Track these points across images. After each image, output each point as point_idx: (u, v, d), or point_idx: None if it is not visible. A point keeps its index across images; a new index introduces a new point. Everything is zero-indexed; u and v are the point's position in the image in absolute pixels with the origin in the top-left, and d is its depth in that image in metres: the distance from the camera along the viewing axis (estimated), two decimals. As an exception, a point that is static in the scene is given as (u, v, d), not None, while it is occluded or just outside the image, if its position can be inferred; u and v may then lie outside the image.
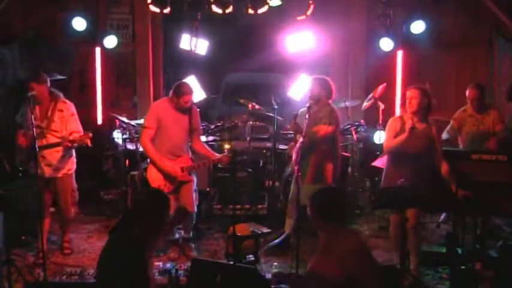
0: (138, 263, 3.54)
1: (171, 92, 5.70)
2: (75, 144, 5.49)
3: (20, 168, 5.63)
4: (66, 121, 5.59)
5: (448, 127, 6.28)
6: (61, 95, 5.69)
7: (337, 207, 3.63)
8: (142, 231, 3.59)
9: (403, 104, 5.41)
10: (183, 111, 5.66)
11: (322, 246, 3.62)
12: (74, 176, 5.83)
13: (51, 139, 5.50)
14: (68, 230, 5.99)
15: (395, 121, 5.21)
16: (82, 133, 5.57)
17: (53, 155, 5.56)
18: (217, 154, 5.89)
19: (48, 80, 5.62)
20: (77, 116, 5.71)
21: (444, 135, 6.30)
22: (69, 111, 5.64)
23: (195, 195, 5.79)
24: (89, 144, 5.47)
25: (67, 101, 5.71)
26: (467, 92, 6.08)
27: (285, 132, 7.30)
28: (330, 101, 5.86)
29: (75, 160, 5.82)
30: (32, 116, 5.20)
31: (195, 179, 5.82)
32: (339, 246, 3.48)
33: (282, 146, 7.12)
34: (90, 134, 5.49)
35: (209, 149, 5.99)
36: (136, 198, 3.76)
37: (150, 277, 3.64)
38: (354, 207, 7.28)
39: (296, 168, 5.40)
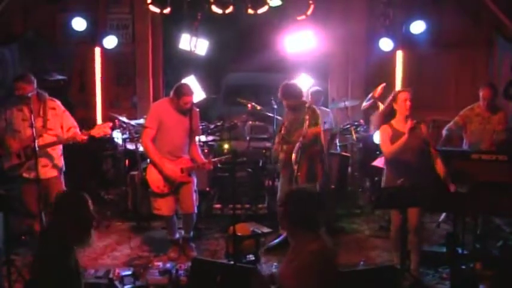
0: (64, 264, 3.57)
1: (171, 93, 5.69)
2: (96, 137, 5.44)
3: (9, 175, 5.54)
4: (61, 118, 5.56)
5: (451, 123, 6.29)
6: (46, 94, 5.61)
7: (305, 212, 3.39)
8: (64, 232, 3.61)
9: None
10: (183, 113, 5.65)
11: (289, 251, 3.48)
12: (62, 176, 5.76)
13: (48, 138, 5.45)
14: None
15: (385, 129, 5.15)
16: (77, 128, 5.55)
17: (49, 155, 5.51)
18: (204, 160, 5.85)
19: (35, 81, 5.52)
20: (68, 112, 5.68)
21: (444, 132, 6.30)
22: (60, 108, 5.62)
23: (195, 196, 5.80)
24: (109, 133, 5.54)
25: (54, 99, 5.66)
26: (481, 92, 6.11)
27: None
28: (304, 99, 5.90)
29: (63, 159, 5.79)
30: (32, 116, 5.17)
31: (195, 179, 5.83)
32: (299, 255, 3.33)
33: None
34: (111, 123, 5.50)
35: (199, 153, 5.92)
36: (54, 201, 3.80)
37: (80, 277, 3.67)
38: (354, 207, 7.31)
39: (296, 167, 5.41)
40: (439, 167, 5.01)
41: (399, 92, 5.18)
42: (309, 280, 3.25)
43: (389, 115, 5.16)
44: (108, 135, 5.60)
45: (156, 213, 5.79)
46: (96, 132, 5.39)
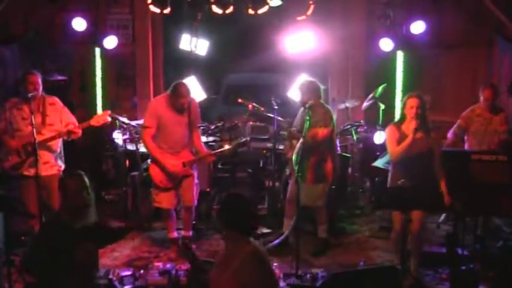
0: (55, 242, 3.78)
1: (169, 90, 5.70)
2: (101, 125, 5.59)
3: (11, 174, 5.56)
4: (60, 113, 5.59)
5: (455, 126, 6.29)
6: (44, 92, 5.66)
7: (241, 216, 3.49)
8: (60, 209, 3.91)
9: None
10: (180, 109, 5.67)
11: (222, 256, 3.53)
12: None
13: (47, 134, 5.47)
14: None
15: (393, 130, 5.16)
16: (76, 124, 5.58)
17: (49, 152, 5.51)
18: (206, 151, 5.89)
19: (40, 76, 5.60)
20: (67, 108, 5.71)
21: (449, 137, 6.27)
22: (59, 103, 5.66)
23: (196, 189, 5.83)
24: (109, 121, 5.63)
25: (52, 96, 5.70)
26: (482, 93, 6.12)
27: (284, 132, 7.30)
28: (322, 101, 5.87)
29: (63, 159, 5.78)
30: (33, 116, 5.18)
31: (196, 172, 5.84)
32: (235, 257, 3.37)
33: (282, 147, 7.11)
34: (109, 111, 5.60)
35: (202, 145, 5.97)
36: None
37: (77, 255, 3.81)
38: (355, 207, 7.31)
39: (296, 168, 5.40)
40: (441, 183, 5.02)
41: (407, 97, 5.15)
42: (249, 280, 3.29)
43: (400, 119, 5.18)
44: (108, 123, 5.67)
45: (156, 205, 5.84)
46: (95, 121, 5.46)
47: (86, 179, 3.94)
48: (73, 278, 3.82)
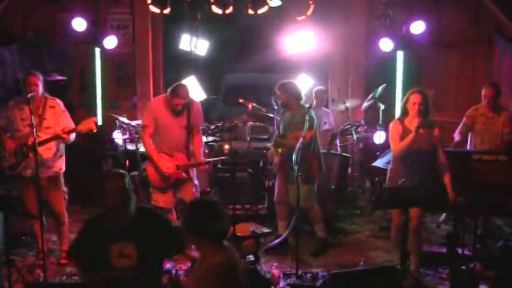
0: (92, 237, 3.85)
1: (169, 90, 5.71)
2: (82, 132, 5.44)
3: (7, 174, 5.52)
4: (59, 117, 5.53)
5: (461, 126, 6.27)
6: (46, 93, 5.62)
7: (205, 224, 3.25)
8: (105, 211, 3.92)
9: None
10: (177, 111, 5.66)
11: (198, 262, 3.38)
12: (62, 177, 5.73)
13: (43, 136, 5.41)
14: (65, 237, 5.71)
15: (396, 125, 5.18)
16: (73, 126, 5.51)
17: (45, 154, 5.46)
18: (201, 159, 5.83)
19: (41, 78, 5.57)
20: (67, 112, 5.67)
21: (457, 137, 6.27)
22: (60, 107, 5.60)
23: (194, 190, 5.82)
24: (94, 129, 5.43)
25: (55, 98, 5.65)
26: (483, 91, 6.13)
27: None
28: (301, 103, 5.88)
29: (64, 160, 5.74)
30: (33, 117, 5.17)
31: (195, 174, 5.84)
32: (201, 267, 3.22)
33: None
34: (95, 119, 5.48)
35: (200, 151, 5.88)
36: None
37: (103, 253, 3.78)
38: (354, 207, 7.31)
39: (296, 168, 5.40)
40: (445, 178, 5.02)
41: (410, 93, 5.15)
42: None
43: (402, 114, 5.19)
44: (94, 130, 5.47)
45: (154, 204, 5.82)
46: (81, 128, 5.39)
47: (127, 181, 3.84)
48: (104, 281, 3.73)
